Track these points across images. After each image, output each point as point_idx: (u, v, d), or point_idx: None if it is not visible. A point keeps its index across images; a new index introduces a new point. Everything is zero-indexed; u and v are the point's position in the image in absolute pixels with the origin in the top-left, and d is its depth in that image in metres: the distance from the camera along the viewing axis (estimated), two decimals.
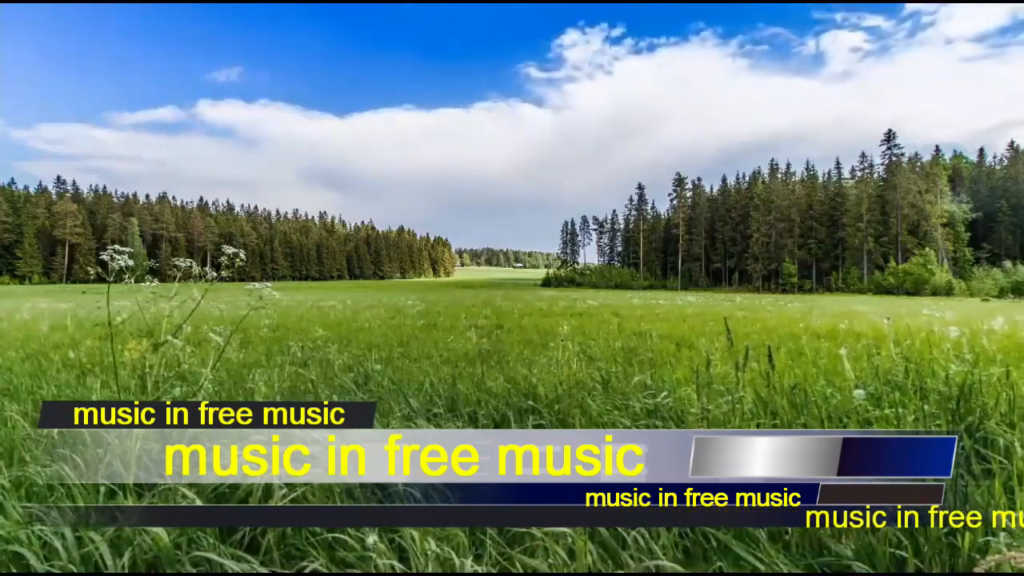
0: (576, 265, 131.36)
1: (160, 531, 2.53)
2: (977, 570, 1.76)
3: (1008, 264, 68.43)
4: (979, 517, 1.83)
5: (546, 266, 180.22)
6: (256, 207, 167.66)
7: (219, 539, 2.49)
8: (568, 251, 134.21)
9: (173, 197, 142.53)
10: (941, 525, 1.84)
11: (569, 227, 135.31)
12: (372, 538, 2.16)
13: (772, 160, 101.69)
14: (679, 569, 1.73)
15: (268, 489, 2.72)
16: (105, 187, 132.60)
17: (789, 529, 1.92)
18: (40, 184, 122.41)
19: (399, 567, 2.04)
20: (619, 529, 1.98)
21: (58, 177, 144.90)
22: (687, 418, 2.85)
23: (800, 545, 1.88)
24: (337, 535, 2.31)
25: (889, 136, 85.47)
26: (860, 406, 2.94)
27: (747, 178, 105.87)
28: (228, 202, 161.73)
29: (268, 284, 3.92)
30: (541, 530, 1.96)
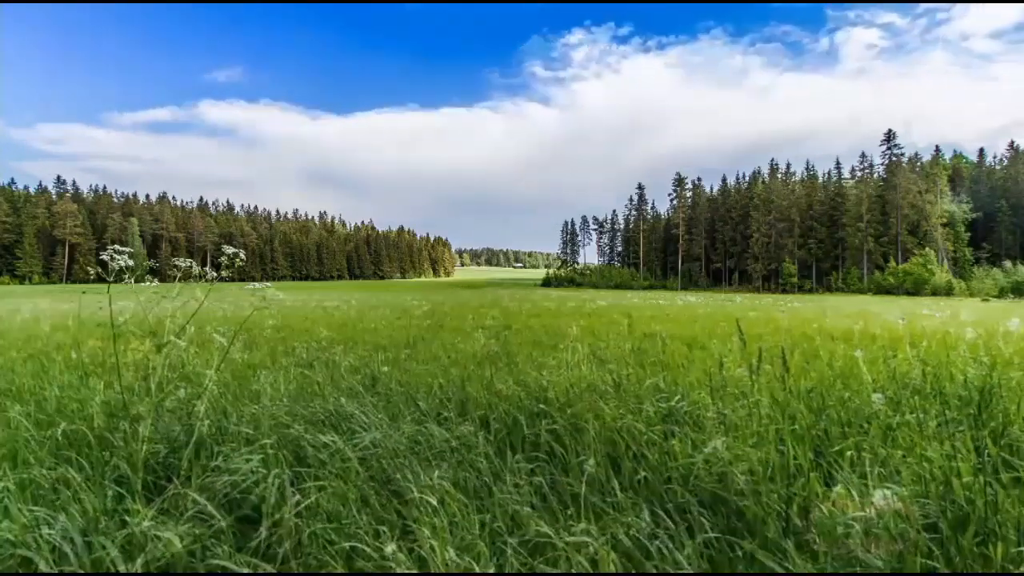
0: (576, 265, 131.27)
1: (173, 536, 2.49)
2: None
3: (1008, 264, 68.40)
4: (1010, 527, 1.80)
5: (546, 266, 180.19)
6: (256, 207, 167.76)
7: (233, 547, 2.45)
8: (568, 251, 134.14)
9: (173, 197, 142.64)
10: (973, 536, 1.81)
11: (569, 227, 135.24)
12: (391, 547, 2.12)
13: (772, 160, 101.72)
14: None
15: (281, 495, 2.68)
16: (105, 187, 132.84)
17: (817, 538, 1.88)
18: (40, 184, 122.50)
19: None
20: (642, 538, 1.94)
21: (58, 177, 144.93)
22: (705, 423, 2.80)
23: (828, 554, 1.84)
24: (355, 544, 2.27)
25: (889, 136, 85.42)
26: (880, 411, 2.89)
27: (747, 178, 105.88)
28: (228, 202, 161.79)
29: (269, 284, 3.89)
30: (563, 539, 1.92)
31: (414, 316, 13.42)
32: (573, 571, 1.76)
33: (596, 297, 34.85)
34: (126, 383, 4.55)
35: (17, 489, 2.89)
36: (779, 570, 1.72)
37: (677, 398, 3.12)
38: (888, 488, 1.98)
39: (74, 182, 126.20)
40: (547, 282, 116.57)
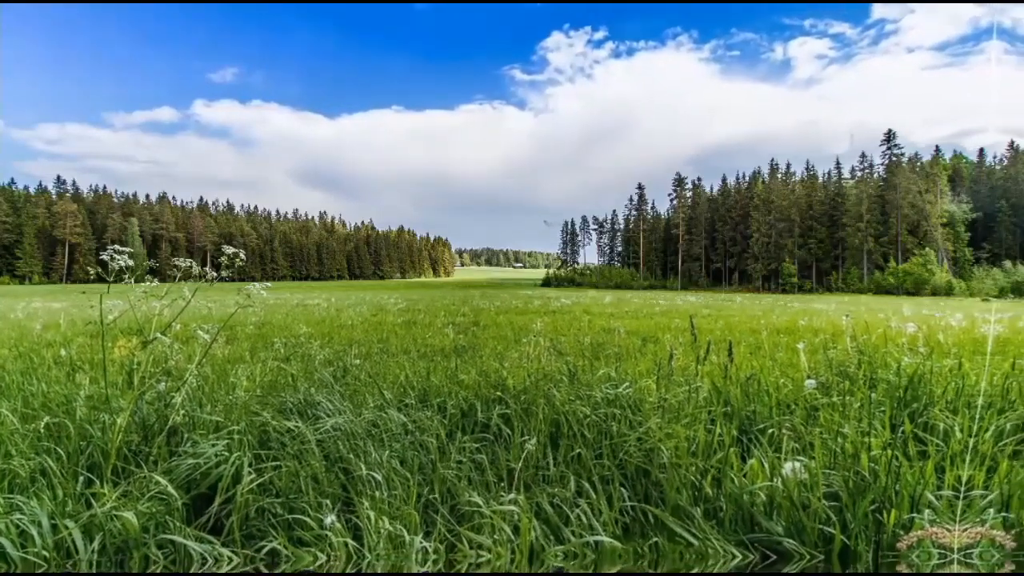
0: (576, 265, 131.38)
1: (130, 516, 2.60)
2: (900, 545, 1.82)
3: (1008, 264, 68.31)
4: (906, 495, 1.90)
5: (546, 266, 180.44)
6: (256, 207, 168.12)
7: (184, 521, 2.57)
8: (568, 251, 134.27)
9: (173, 197, 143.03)
10: (870, 503, 1.91)
11: (569, 227, 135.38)
12: (330, 518, 2.23)
13: (772, 160, 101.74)
14: (617, 544, 1.80)
15: (237, 475, 2.79)
16: (105, 187, 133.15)
17: (723, 505, 1.99)
18: (40, 184, 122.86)
19: (352, 544, 2.11)
20: (562, 506, 2.05)
21: (58, 177, 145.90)
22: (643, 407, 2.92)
23: (733, 521, 1.95)
24: (297, 516, 2.38)
25: (889, 136, 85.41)
26: (810, 394, 3.00)
27: (747, 178, 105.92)
28: (228, 202, 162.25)
29: (268, 284, 3.97)
30: (489, 507, 2.03)
31: (390, 313, 13.82)
32: (495, 537, 1.86)
33: (561, 295, 35.61)
34: (111, 378, 4.66)
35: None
36: (686, 535, 1.82)
37: (624, 385, 3.23)
38: (798, 461, 2.08)
39: (74, 182, 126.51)
40: (547, 282, 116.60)
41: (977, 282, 67.92)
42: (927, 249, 75.03)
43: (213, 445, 3.24)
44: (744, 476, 2.11)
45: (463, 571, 1.86)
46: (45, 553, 2.52)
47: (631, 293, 60.26)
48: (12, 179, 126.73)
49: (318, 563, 2.16)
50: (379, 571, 1.97)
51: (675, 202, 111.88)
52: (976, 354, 4.55)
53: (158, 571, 2.47)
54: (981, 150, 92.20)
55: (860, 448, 2.11)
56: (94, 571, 2.52)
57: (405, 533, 2.03)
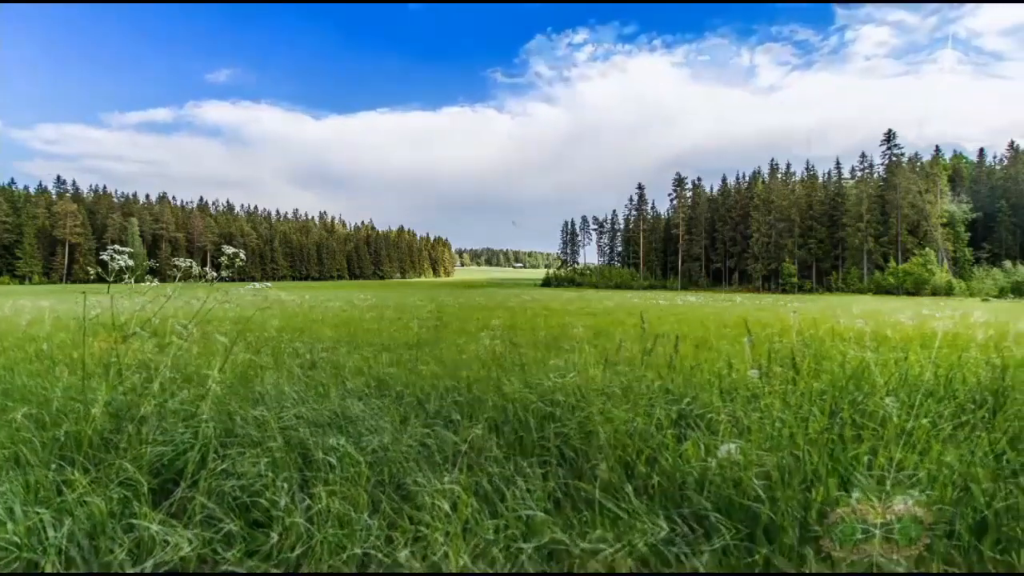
0: (576, 265, 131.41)
1: (98, 501, 2.66)
2: (826, 521, 1.87)
3: (1008, 264, 68.20)
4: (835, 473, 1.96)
5: (546, 266, 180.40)
6: (256, 207, 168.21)
7: (151, 505, 2.63)
8: (568, 251, 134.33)
9: (173, 197, 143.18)
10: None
11: (569, 227, 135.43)
12: (284, 499, 2.30)
13: (772, 160, 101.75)
14: (547, 517, 1.86)
15: (203, 459, 2.86)
16: (105, 187, 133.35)
17: (655, 481, 2.05)
18: (40, 184, 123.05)
19: (303, 523, 2.18)
20: (498, 483, 2.11)
21: (58, 177, 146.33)
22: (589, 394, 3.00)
23: (664, 497, 2.01)
24: (255, 499, 2.44)
25: (889, 136, 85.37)
26: (752, 383, 3.07)
27: (747, 178, 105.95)
28: (228, 202, 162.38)
29: (268, 284, 4.04)
30: (432, 486, 2.10)
31: (359, 309, 14.47)
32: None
33: (524, 293, 36.68)
34: (89, 371, 4.71)
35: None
36: (617, 511, 1.88)
37: (572, 374, 3.32)
38: (734, 443, 2.14)
39: (74, 182, 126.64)
40: (547, 282, 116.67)
41: (977, 282, 67.79)
42: (927, 249, 74.95)
43: (182, 433, 3.31)
44: (679, 457, 2.17)
45: (401, 544, 1.92)
46: (16, 539, 2.57)
47: (631, 293, 60.32)
48: (12, 179, 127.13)
49: (270, 542, 2.22)
50: (324, 546, 2.04)
51: (675, 202, 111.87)
52: (925, 348, 4.63)
53: (122, 554, 2.52)
54: (981, 150, 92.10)
55: (797, 431, 2.17)
56: (62, 555, 2.57)
57: (352, 512, 2.09)
